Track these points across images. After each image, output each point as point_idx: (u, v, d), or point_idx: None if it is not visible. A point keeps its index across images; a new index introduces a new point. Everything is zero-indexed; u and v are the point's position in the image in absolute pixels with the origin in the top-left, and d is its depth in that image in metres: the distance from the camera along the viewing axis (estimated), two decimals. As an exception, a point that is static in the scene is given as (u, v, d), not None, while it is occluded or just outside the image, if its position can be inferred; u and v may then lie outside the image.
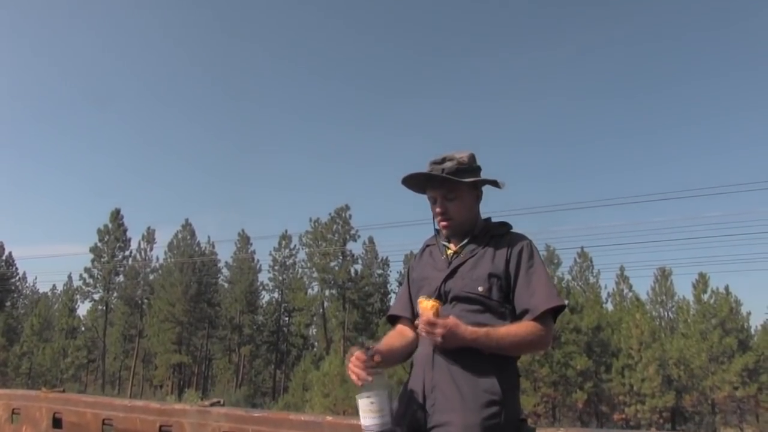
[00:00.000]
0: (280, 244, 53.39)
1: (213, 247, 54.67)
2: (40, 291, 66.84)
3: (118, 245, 50.95)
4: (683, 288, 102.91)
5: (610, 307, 45.14)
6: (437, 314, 2.02)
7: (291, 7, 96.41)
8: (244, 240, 54.87)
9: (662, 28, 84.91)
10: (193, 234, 52.34)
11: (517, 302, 2.10)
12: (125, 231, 51.37)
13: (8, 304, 56.59)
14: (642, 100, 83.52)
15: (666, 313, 49.74)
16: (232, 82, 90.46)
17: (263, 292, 55.77)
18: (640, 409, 33.02)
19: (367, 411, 1.90)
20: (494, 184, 2.27)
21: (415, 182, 2.27)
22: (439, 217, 2.23)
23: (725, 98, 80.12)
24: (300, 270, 53.43)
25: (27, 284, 64.08)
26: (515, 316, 2.10)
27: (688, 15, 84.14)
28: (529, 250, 2.17)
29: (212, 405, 3.05)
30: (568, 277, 45.88)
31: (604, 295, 48.26)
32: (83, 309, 69.51)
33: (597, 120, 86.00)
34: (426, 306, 2.06)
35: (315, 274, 50.38)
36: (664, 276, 49.73)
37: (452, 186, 2.18)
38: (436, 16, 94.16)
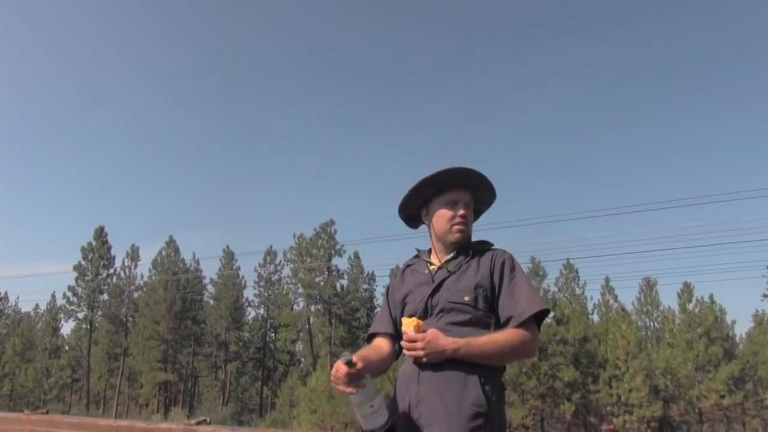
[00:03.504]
0: (265, 259, 53.20)
1: (198, 263, 54.34)
2: (23, 311, 65.80)
3: (102, 263, 50.32)
4: (668, 298, 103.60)
5: (596, 318, 45.36)
6: (418, 330, 2.04)
7: (273, 28, 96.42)
8: (229, 256, 54.59)
9: (638, 45, 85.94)
10: (177, 251, 51.94)
11: (501, 311, 2.12)
12: (109, 249, 50.78)
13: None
14: (626, 113, 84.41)
15: (652, 323, 50.04)
16: (215, 100, 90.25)
17: (249, 309, 55.53)
18: (628, 420, 33.07)
19: (369, 414, 1.91)
20: (485, 208, 2.43)
21: (454, 177, 2.25)
22: (459, 220, 2.24)
23: (706, 110, 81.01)
24: (285, 286, 53.22)
25: (9, 304, 63.14)
26: (500, 327, 2.10)
27: (661, 33, 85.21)
28: (511, 262, 2.20)
29: (198, 423, 3.00)
30: (554, 288, 46.01)
31: (590, 306, 48.61)
32: (67, 328, 68.70)
33: (580, 133, 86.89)
34: (407, 324, 2.08)
35: (300, 290, 50.15)
36: (649, 286, 50.06)
37: (478, 194, 2.30)
38: (418, 35, 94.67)
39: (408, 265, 2.39)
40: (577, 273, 51.17)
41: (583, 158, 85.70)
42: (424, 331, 2.02)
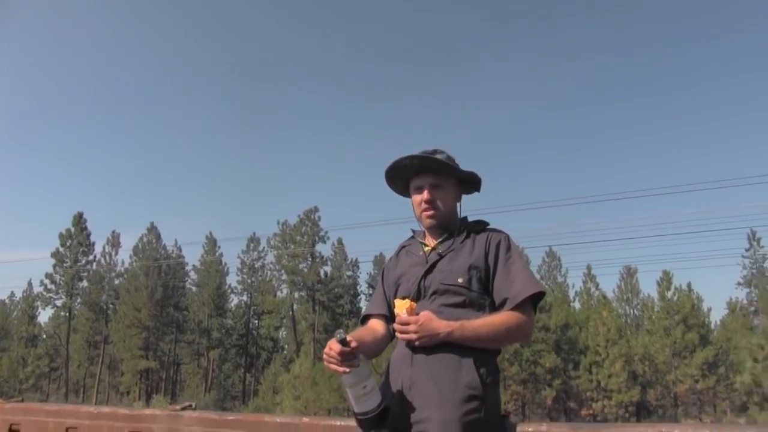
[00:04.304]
0: (248, 246, 52.97)
1: (180, 250, 53.93)
2: (-2, 299, 64.81)
3: (81, 250, 49.72)
4: (648, 286, 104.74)
5: (577, 305, 45.82)
6: (411, 312, 1.98)
7: (261, 15, 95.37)
8: (212, 243, 54.24)
9: (623, 30, 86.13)
10: (158, 237, 51.52)
11: (496, 293, 2.05)
12: (89, 235, 50.20)
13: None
14: (610, 101, 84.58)
15: (632, 311, 50.69)
16: (199, 87, 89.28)
17: (232, 295, 55.27)
18: (607, 404, 33.63)
19: (362, 396, 1.87)
20: (476, 183, 2.27)
21: (405, 169, 2.22)
22: (425, 206, 2.18)
23: (692, 99, 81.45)
24: (269, 272, 53.07)
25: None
26: (495, 309, 2.04)
27: (643, 19, 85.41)
28: (507, 243, 2.14)
29: (183, 409, 2.95)
30: (537, 276, 46.27)
31: (571, 294, 49.06)
32: (45, 316, 67.91)
33: (563, 119, 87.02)
34: (400, 306, 2.02)
35: (284, 277, 50.11)
36: (629, 274, 50.64)
37: (443, 174, 2.17)
38: (403, 22, 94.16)
39: (403, 246, 2.34)
40: (559, 261, 51.61)
41: (567, 146, 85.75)
42: (418, 314, 1.96)
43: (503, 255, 2.10)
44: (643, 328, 40.07)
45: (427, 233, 2.26)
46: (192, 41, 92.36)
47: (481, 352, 1.96)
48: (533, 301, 2.04)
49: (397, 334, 2.02)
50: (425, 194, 2.17)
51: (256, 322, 56.49)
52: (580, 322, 38.06)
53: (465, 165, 2.21)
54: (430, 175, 2.18)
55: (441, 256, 2.13)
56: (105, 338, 50.58)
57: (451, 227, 2.20)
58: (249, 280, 53.55)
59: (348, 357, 1.83)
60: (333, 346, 1.84)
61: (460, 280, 2.04)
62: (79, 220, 50.34)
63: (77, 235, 49.79)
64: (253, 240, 52.94)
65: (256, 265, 53.45)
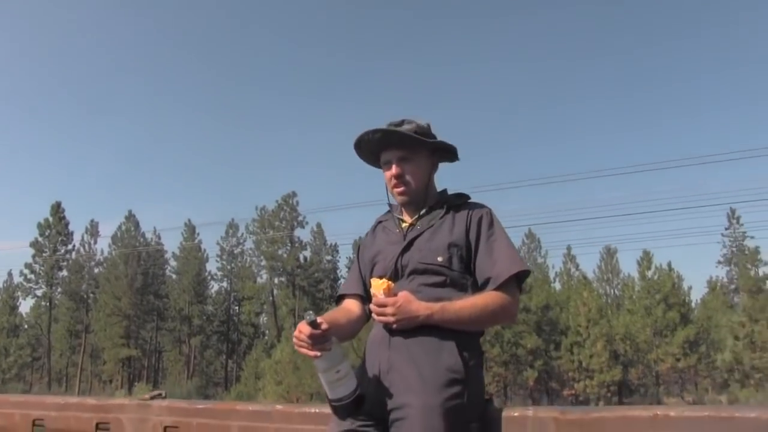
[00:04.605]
0: (227, 232, 52.76)
1: (159, 238, 53.60)
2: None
3: (60, 239, 49.40)
4: (628, 265, 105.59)
5: (558, 286, 46.18)
6: (389, 293, 1.88)
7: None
8: (191, 230, 53.92)
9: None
10: (137, 225, 51.15)
11: (478, 272, 1.96)
12: (67, 225, 49.87)
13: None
14: (588, 71, 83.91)
15: (612, 291, 51.21)
16: (168, 73, 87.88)
17: (212, 282, 55.08)
18: (589, 384, 34.01)
19: (335, 381, 1.78)
20: (452, 152, 2.15)
21: (370, 144, 2.12)
22: (394, 181, 2.07)
23: (669, 73, 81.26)
24: (248, 258, 52.91)
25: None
26: (478, 288, 1.95)
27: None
28: (489, 218, 2.04)
29: (153, 398, 2.85)
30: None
31: (551, 275, 49.42)
32: (26, 306, 67.25)
33: (539, 90, 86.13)
34: (377, 286, 1.92)
35: (263, 262, 50.03)
36: (609, 254, 51.14)
37: (410, 147, 2.05)
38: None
39: (380, 222, 2.24)
40: (539, 242, 51.92)
41: (545, 119, 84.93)
42: (395, 294, 1.87)
43: (485, 231, 2.00)
44: (624, 308, 40.46)
45: (403, 209, 2.16)
46: (167, 17, 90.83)
47: (463, 335, 1.88)
48: (518, 281, 1.95)
49: (374, 316, 1.93)
50: (393, 169, 2.07)
51: (237, 308, 56.36)
52: (561, 303, 38.39)
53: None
54: (396, 148, 2.07)
55: (419, 233, 2.03)
56: (86, 327, 50.30)
57: (428, 201, 2.11)
58: (229, 267, 53.37)
59: (319, 340, 1.74)
60: (302, 329, 1.76)
61: (439, 259, 1.94)
62: (57, 209, 49.95)
63: (56, 225, 49.45)
64: (232, 226, 52.74)
65: (235, 251, 53.29)
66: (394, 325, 1.86)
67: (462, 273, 1.96)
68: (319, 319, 1.76)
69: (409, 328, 1.86)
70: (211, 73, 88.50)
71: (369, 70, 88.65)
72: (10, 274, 56.19)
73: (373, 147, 2.12)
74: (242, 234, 52.50)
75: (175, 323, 53.59)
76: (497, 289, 1.90)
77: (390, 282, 1.92)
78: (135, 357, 50.04)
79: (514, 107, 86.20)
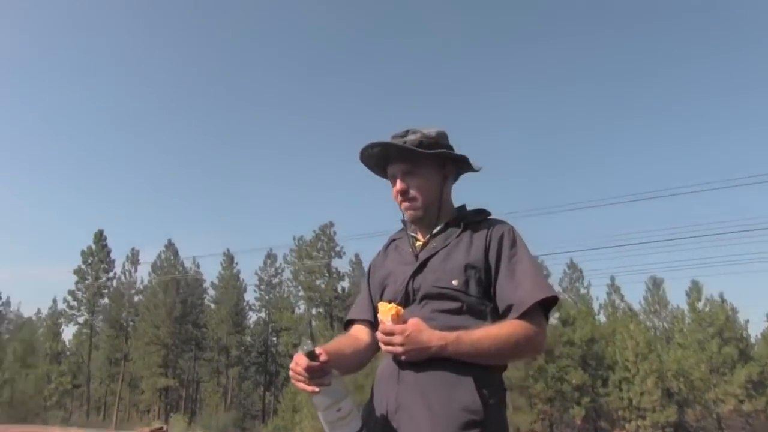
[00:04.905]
0: (265, 262, 52.76)
1: (198, 267, 54.00)
2: (25, 315, 65.46)
3: (102, 267, 50.37)
4: (676, 296, 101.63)
5: (603, 318, 44.51)
6: (397, 320, 1.70)
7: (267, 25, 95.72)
8: (229, 259, 54.13)
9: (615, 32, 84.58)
10: (176, 254, 51.66)
11: (499, 298, 1.78)
12: (109, 252, 50.91)
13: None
14: (637, 93, 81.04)
15: (661, 323, 49.10)
16: (206, 106, 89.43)
17: (250, 312, 55.05)
18: (642, 425, 32.23)
19: (336, 421, 1.59)
20: (463, 161, 1.94)
21: (372, 159, 1.98)
22: (400, 198, 1.92)
23: (714, 91, 77.73)
24: (286, 289, 52.80)
25: (11, 309, 62.78)
26: (498, 316, 1.77)
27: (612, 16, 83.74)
28: (511, 237, 1.85)
29: (153, 431, 2.25)
30: (558, 288, 44.96)
31: (596, 306, 47.64)
32: (69, 333, 68.56)
33: (577, 114, 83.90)
34: (385, 311, 1.72)
35: (301, 293, 49.86)
36: (655, 285, 49.13)
37: (412, 159, 1.88)
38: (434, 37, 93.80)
39: (393, 240, 2.08)
40: (581, 273, 50.26)
41: (580, 142, 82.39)
42: (405, 321, 1.70)
43: (507, 252, 1.82)
44: (675, 342, 38.63)
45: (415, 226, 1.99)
46: (202, 57, 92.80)
47: (483, 369, 1.69)
48: (544, 308, 1.76)
49: (381, 345, 1.76)
50: (397, 184, 1.92)
51: (275, 339, 56.07)
52: (606, 336, 36.89)
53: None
54: (400, 161, 1.91)
55: (433, 254, 1.86)
56: (125, 356, 50.63)
57: (442, 218, 1.93)
58: (267, 297, 53.27)
59: (317, 373, 1.58)
60: (299, 361, 1.60)
61: (455, 282, 1.77)
62: (100, 237, 51.01)
63: (98, 252, 50.42)
64: (270, 256, 52.77)
65: (273, 282, 53.19)
66: (403, 357, 1.70)
67: (480, 298, 1.78)
68: (318, 350, 1.60)
69: (420, 361, 1.68)
70: (249, 102, 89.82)
71: (408, 95, 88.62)
72: (54, 301, 57.33)
73: (378, 161, 1.98)
74: (280, 264, 52.54)
75: (213, 353, 53.51)
76: (520, 317, 1.72)
77: (399, 307, 1.74)
78: (172, 387, 50.02)
79: (551, 130, 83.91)
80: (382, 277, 1.96)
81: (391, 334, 1.68)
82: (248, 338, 55.41)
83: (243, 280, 53.89)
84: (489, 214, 1.96)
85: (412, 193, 1.89)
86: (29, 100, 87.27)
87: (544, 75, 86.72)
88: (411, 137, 1.88)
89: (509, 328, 1.70)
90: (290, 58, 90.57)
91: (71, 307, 50.03)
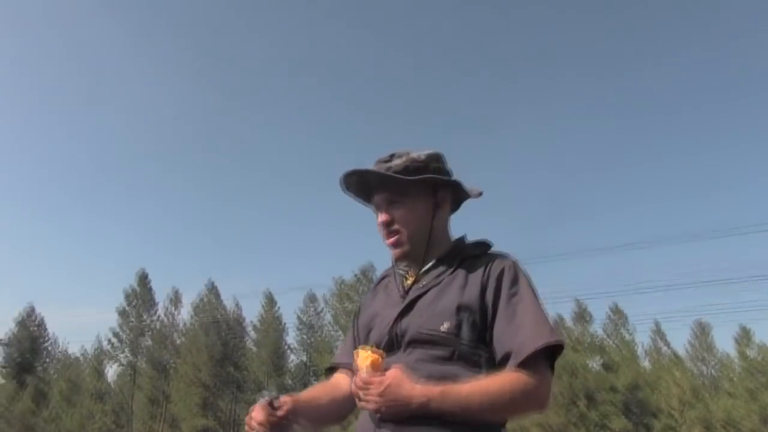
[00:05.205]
0: (305, 304, 52.96)
1: (240, 309, 54.39)
2: (71, 354, 66.77)
3: (144, 307, 51.13)
4: (724, 341, 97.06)
5: (647, 364, 43.13)
6: (376, 369, 1.48)
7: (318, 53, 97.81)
8: (269, 301, 54.49)
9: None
10: (217, 295, 52.31)
11: (497, 344, 1.53)
12: (152, 293, 51.72)
13: (39, 367, 56.63)
14: (679, 127, 78.93)
15: (708, 370, 47.27)
16: (244, 139, 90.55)
17: (290, 354, 55.06)
18: (688, 475, 31.05)
19: None
20: (454, 186, 1.74)
21: (356, 187, 1.78)
22: (384, 231, 1.71)
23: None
24: (326, 332, 52.76)
25: (58, 347, 64.22)
26: (495, 365, 1.53)
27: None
28: (512, 273, 1.61)
29: None
30: (601, 332, 43.55)
31: (639, 351, 46.19)
32: (112, 372, 69.57)
33: (617, 149, 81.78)
34: (362, 359, 1.51)
35: (341, 336, 49.68)
36: (702, 330, 47.46)
37: (395, 187, 1.68)
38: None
39: (384, 277, 1.87)
40: (626, 318, 48.94)
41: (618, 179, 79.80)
42: (385, 371, 1.47)
43: (506, 290, 1.57)
44: (723, 390, 37.20)
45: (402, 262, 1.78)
46: (230, 91, 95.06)
47: (475, 428, 1.44)
48: (549, 356, 1.51)
49: (356, 400, 1.53)
50: (379, 216, 1.72)
51: (314, 382, 55.79)
52: (650, 383, 35.80)
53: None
54: (382, 190, 1.71)
55: (423, 293, 1.63)
56: (166, 396, 50.99)
57: (434, 252, 1.71)
58: (308, 340, 53.29)
59: (277, 427, 1.43)
60: (254, 413, 1.46)
61: (445, 326, 1.53)
62: (142, 278, 51.89)
63: (141, 293, 51.24)
64: (311, 297, 52.95)
65: (314, 324, 53.29)
66: (378, 414, 1.46)
67: (474, 345, 1.54)
68: (282, 399, 1.46)
69: (401, 418, 1.44)
70: (289, 137, 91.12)
71: (453, 132, 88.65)
72: (98, 339, 58.46)
73: (361, 190, 1.78)
74: (321, 308, 52.66)
75: (254, 395, 53.50)
76: (520, 367, 1.47)
77: (378, 355, 1.52)
78: (212, 428, 50.06)
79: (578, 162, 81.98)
80: (368, 318, 1.75)
81: (367, 386, 1.46)
82: (289, 380, 55.28)
83: (285, 323, 54.08)
84: (490, 246, 1.74)
85: (395, 226, 1.69)
86: (76, 137, 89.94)
87: (591, 109, 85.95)
88: (396, 161, 1.69)
89: (504, 380, 1.46)
90: (336, 95, 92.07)
91: (114, 347, 50.89)
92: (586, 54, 79.62)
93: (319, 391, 1.74)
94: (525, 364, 1.46)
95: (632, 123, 78.59)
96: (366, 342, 1.68)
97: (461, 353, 1.52)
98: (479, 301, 1.56)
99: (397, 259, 1.75)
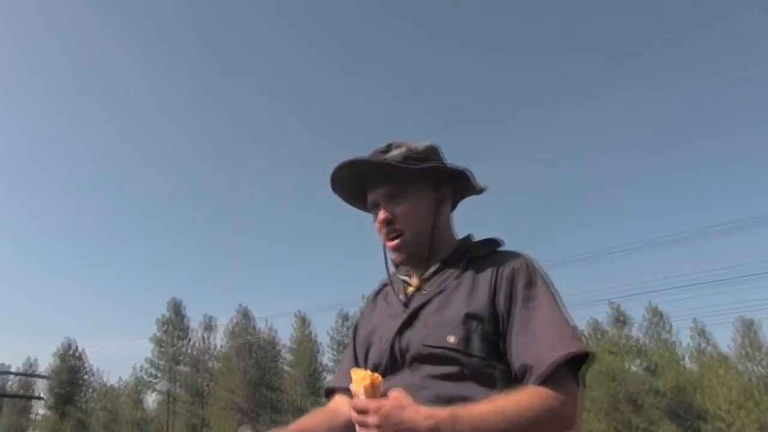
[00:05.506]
0: (337, 322, 52.98)
1: (274, 331, 54.75)
2: (108, 384, 67.76)
3: (177, 334, 51.79)
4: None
5: (691, 365, 41.86)
6: (374, 392, 1.26)
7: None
8: (301, 321, 54.53)
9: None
10: (249, 318, 52.65)
11: (512, 357, 1.35)
12: (184, 320, 52.49)
13: (79, 398, 57.47)
14: (714, 122, 76.75)
15: (756, 368, 45.66)
16: (273, 159, 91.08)
17: (324, 374, 54.98)
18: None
19: None
20: (459, 176, 1.54)
21: (345, 187, 1.60)
22: (384, 230, 1.53)
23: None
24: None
25: (96, 378, 65.15)
26: (512, 381, 1.34)
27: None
28: (527, 274, 1.41)
29: None
30: (639, 334, 42.25)
31: (680, 351, 44.89)
32: (149, 399, 70.44)
33: (654, 144, 80.00)
34: (358, 381, 1.28)
35: (373, 355, 49.62)
36: (746, 326, 45.92)
37: (396, 179, 1.50)
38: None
39: (384, 285, 1.69)
40: (665, 318, 47.63)
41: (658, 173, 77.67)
42: (384, 394, 1.25)
43: (520, 294, 1.38)
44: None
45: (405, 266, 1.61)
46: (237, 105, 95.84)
47: None
48: (574, 367, 1.30)
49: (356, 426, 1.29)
50: (380, 213, 1.52)
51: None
52: (695, 384, 34.69)
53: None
54: (382, 184, 1.53)
55: (426, 301, 1.45)
56: (203, 421, 51.27)
57: (439, 254, 1.53)
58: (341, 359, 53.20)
59: None
60: None
61: (451, 339, 1.36)
62: (176, 306, 52.85)
63: (175, 321, 51.99)
64: (342, 316, 52.96)
65: (346, 342, 53.17)
66: None
67: (486, 359, 1.35)
68: None
69: None
70: (318, 153, 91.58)
71: (452, 132, 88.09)
72: (135, 368, 59.17)
73: (353, 188, 1.59)
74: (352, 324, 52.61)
75: (289, 416, 53.45)
76: (540, 383, 1.28)
77: (376, 376, 1.29)
78: (249, 451, 50.16)
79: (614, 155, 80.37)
80: (367, 333, 1.58)
81: (364, 411, 1.26)
82: (324, 400, 54.93)
83: (318, 342, 54.08)
84: (499, 244, 1.56)
85: (399, 224, 1.52)
86: (112, 166, 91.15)
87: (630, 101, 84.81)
88: (395, 152, 1.52)
89: (523, 398, 1.28)
90: (371, 117, 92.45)
91: (150, 375, 51.51)
92: (586, 52, 78.81)
93: (315, 419, 1.56)
94: (548, 380, 1.27)
95: (661, 109, 77.26)
96: (365, 360, 1.54)
97: (472, 369, 1.36)
98: (490, 307, 1.39)
99: (399, 263, 1.58)
